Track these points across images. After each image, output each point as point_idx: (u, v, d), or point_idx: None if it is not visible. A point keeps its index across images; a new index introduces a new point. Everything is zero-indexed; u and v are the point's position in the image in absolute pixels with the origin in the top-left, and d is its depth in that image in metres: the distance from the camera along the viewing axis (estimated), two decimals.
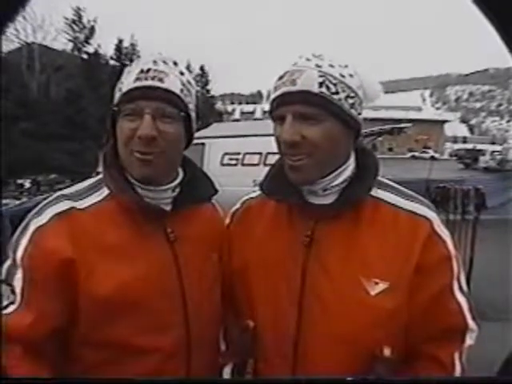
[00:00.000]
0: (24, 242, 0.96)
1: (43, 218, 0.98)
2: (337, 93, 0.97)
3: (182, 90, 1.06)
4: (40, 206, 1.02)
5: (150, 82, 1.01)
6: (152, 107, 1.00)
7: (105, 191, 1.07)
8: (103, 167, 1.09)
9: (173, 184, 1.12)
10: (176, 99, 1.04)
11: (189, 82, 1.10)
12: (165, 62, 1.05)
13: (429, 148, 58.01)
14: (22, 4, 0.61)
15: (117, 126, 1.05)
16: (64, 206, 1.00)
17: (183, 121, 1.07)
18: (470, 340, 1.02)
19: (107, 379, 0.99)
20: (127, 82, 1.03)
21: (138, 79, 1.02)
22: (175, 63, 1.08)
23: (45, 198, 1.07)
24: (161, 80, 1.02)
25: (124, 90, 1.03)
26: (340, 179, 1.04)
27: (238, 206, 1.25)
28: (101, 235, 1.00)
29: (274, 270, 1.06)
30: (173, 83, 1.04)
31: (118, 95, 1.05)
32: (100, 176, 1.11)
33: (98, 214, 1.02)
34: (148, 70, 1.02)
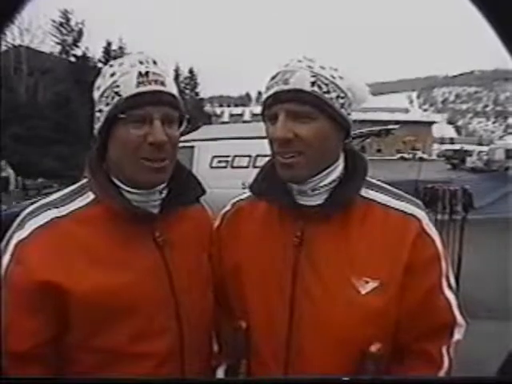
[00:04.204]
0: (6, 259, 0.93)
1: (25, 232, 0.95)
2: (328, 92, 0.99)
3: (176, 92, 1.05)
4: (22, 215, 0.99)
5: (154, 87, 0.99)
6: (160, 112, 0.99)
7: (89, 196, 1.04)
8: (88, 172, 1.06)
9: (160, 186, 1.09)
10: (176, 102, 1.03)
11: (173, 80, 1.08)
12: (147, 62, 1.01)
13: (417, 149, 58.49)
14: (20, 7, 0.60)
15: (114, 132, 1.00)
16: (46, 217, 0.97)
17: (179, 122, 1.07)
18: (458, 335, 1.03)
19: (106, 379, 0.98)
20: (126, 86, 0.98)
21: (141, 83, 0.98)
22: (154, 62, 1.03)
23: (32, 203, 1.04)
24: (162, 84, 1.00)
25: (125, 95, 0.98)
26: (329, 179, 1.04)
27: (228, 207, 1.25)
28: (87, 242, 0.98)
29: (265, 271, 1.06)
30: (171, 86, 1.03)
31: (115, 100, 0.98)
32: (83, 181, 1.08)
33: (84, 220, 1.00)
34: (147, 73, 0.99)
